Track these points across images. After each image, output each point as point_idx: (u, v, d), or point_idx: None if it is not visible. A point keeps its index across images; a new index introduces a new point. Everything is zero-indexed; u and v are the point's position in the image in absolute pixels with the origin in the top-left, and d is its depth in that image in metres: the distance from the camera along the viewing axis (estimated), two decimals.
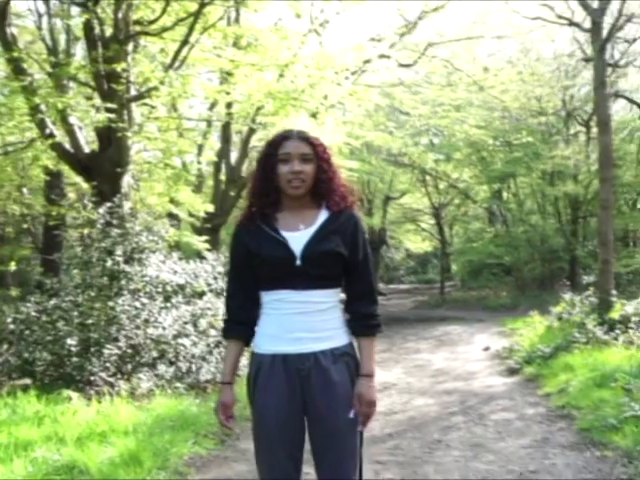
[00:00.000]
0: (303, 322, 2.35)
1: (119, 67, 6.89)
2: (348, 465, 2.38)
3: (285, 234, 2.38)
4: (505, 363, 8.65)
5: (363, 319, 2.44)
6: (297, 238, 2.37)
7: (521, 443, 5.07)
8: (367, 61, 10.90)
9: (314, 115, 11.16)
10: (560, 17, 10.66)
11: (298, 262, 2.34)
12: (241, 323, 2.45)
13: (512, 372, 8.03)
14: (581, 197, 18.66)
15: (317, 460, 2.40)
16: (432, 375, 8.31)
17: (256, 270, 2.41)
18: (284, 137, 2.40)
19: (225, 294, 2.58)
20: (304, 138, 2.40)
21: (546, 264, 19.68)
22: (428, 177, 23.01)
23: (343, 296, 2.48)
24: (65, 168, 10.36)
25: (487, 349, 9.99)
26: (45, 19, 8.59)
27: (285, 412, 2.33)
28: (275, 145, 2.40)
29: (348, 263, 2.40)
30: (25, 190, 13.50)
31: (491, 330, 12.38)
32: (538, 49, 18.52)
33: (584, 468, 4.38)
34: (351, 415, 2.35)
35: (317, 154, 2.39)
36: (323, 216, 2.42)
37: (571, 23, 10.81)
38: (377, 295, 2.56)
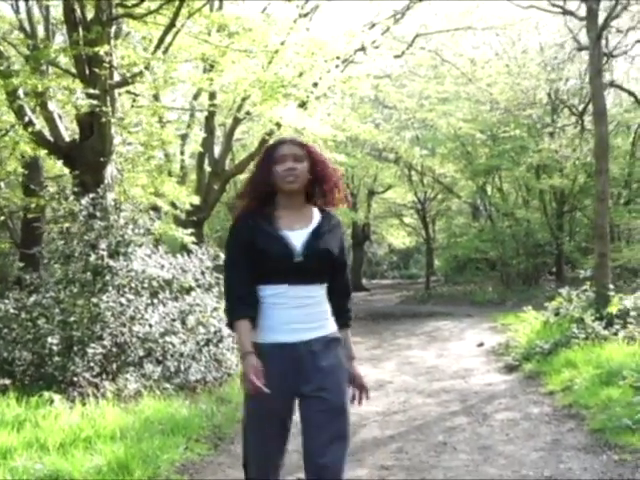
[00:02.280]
0: (299, 315, 2.57)
1: (102, 50, 6.52)
2: (339, 446, 2.53)
3: (285, 232, 2.60)
4: (502, 360, 8.43)
5: (344, 313, 2.75)
6: (296, 235, 2.60)
7: (531, 445, 4.83)
8: (360, 49, 10.60)
9: (303, 105, 10.86)
10: (553, 5, 10.44)
11: (298, 258, 2.57)
12: (249, 304, 2.58)
13: (511, 369, 7.81)
14: (567, 190, 18.56)
15: (307, 441, 2.55)
16: (427, 372, 8.07)
17: (256, 265, 2.58)
18: (279, 142, 2.71)
19: (226, 284, 2.69)
20: (297, 142, 2.70)
21: (531, 258, 19.56)
22: (413, 172, 22.78)
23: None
24: (45, 160, 9.97)
25: (481, 345, 9.78)
26: (22, 3, 8.18)
27: (276, 391, 2.45)
28: (272, 149, 2.69)
29: (336, 262, 2.67)
30: (1, 183, 13.04)
31: (482, 325, 12.17)
32: (525, 41, 18.36)
33: (603, 473, 4.14)
34: (346, 397, 2.60)
35: (309, 155, 2.65)
36: (317, 216, 2.68)
37: (565, 11, 10.60)
38: (351, 292, 2.86)
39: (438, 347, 10.14)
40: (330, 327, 2.66)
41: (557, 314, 8.84)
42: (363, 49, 10.67)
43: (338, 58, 9.78)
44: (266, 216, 2.62)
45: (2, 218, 11.39)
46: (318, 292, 2.64)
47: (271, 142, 2.85)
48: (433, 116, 19.05)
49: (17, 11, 8.29)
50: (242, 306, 2.58)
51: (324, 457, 2.50)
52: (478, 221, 23.95)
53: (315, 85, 10.25)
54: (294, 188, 2.62)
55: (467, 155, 20.54)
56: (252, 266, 2.58)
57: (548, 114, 17.99)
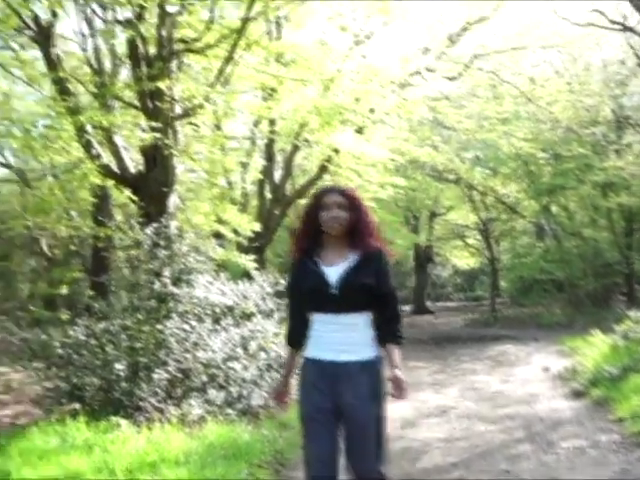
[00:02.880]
0: (337, 338, 3.03)
1: (163, 84, 6.78)
2: (371, 450, 2.98)
3: (324, 268, 3.07)
4: (569, 385, 8.19)
5: (393, 335, 3.10)
6: (333, 271, 3.05)
7: (599, 474, 4.69)
8: (415, 73, 10.64)
9: (360, 130, 10.95)
10: (613, 22, 10.25)
11: (333, 291, 3.01)
12: (296, 337, 3.22)
13: (577, 395, 7.58)
14: (635, 208, 17.98)
15: (346, 447, 3.02)
16: (491, 398, 7.92)
17: (304, 296, 3.12)
18: (326, 190, 3.14)
19: (287, 320, 3.34)
20: (340, 191, 3.11)
21: (600, 279, 18.95)
22: (475, 192, 22.50)
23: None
24: (113, 190, 10.34)
25: (547, 370, 9.53)
26: (90, 41, 8.57)
27: (318, 399, 3.01)
28: (318, 197, 3.12)
29: (376, 292, 3.04)
30: (74, 213, 13.58)
31: (549, 349, 11.87)
32: (586, 58, 18.02)
33: None
34: (374, 412, 3.01)
35: (351, 204, 3.07)
36: (355, 254, 3.07)
37: (625, 28, 10.39)
38: (401, 317, 3.19)
39: (503, 372, 9.94)
40: (368, 353, 3.05)
41: (626, 337, 8.54)
42: (418, 73, 10.70)
43: (393, 83, 9.85)
44: (312, 254, 3.11)
45: (73, 248, 11.84)
46: (357, 319, 3.05)
47: (319, 189, 3.24)
48: (493, 136, 18.82)
49: (85, 49, 8.66)
50: (291, 338, 3.26)
51: (360, 460, 2.99)
52: (543, 241, 23.38)
53: (371, 110, 10.33)
54: (337, 233, 3.07)
55: (530, 174, 20.17)
56: (302, 298, 3.13)
57: (613, 131, 17.54)
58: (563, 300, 20.31)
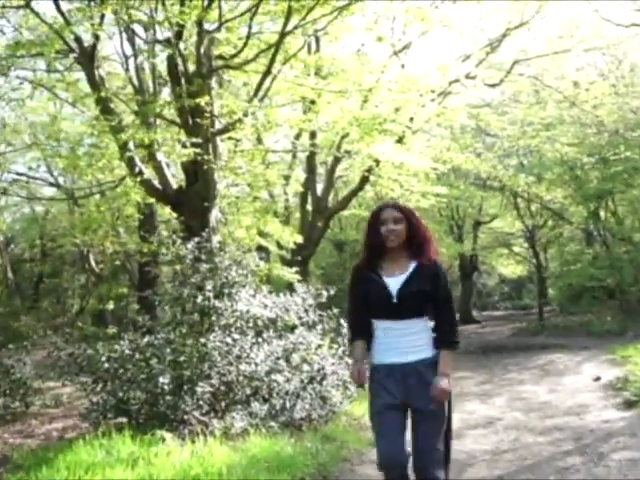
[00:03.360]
0: (401, 342, 3.34)
1: (202, 101, 6.87)
2: (435, 438, 3.32)
3: (385, 279, 3.38)
4: (621, 395, 7.94)
5: (448, 338, 3.37)
6: (394, 281, 3.36)
7: None
8: (454, 81, 10.56)
9: (400, 140, 10.91)
10: None
11: (394, 300, 3.34)
12: (362, 333, 3.50)
13: (630, 405, 7.34)
14: None
15: (414, 436, 3.34)
16: (539, 409, 7.74)
17: (367, 305, 3.44)
18: (383, 207, 3.47)
19: (347, 320, 3.82)
20: (396, 206, 3.45)
21: None
22: (519, 199, 22.15)
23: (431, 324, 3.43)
24: (158, 206, 10.51)
25: (598, 379, 9.27)
26: (132, 61, 8.77)
27: (387, 398, 3.33)
28: (377, 213, 3.45)
29: (433, 299, 3.35)
30: (121, 230, 13.86)
31: (599, 358, 11.56)
32: (631, 59, 17.62)
33: None
34: (432, 405, 3.29)
35: (406, 217, 3.39)
36: (413, 265, 3.38)
37: None
38: (457, 322, 3.51)
39: (552, 381, 9.71)
40: (429, 352, 3.35)
41: None
42: (457, 81, 10.62)
43: (433, 92, 9.78)
44: (374, 266, 3.43)
45: (119, 263, 12.07)
46: (418, 325, 3.35)
47: (377, 206, 3.60)
48: (537, 142, 18.52)
49: (127, 69, 8.86)
50: (354, 334, 3.55)
51: (426, 444, 3.31)
52: (592, 247, 22.85)
53: (411, 120, 10.29)
54: (394, 245, 3.37)
55: (576, 180, 19.76)
56: (365, 305, 3.45)
57: None
58: (614, 307, 19.78)
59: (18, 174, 14.71)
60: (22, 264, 21.85)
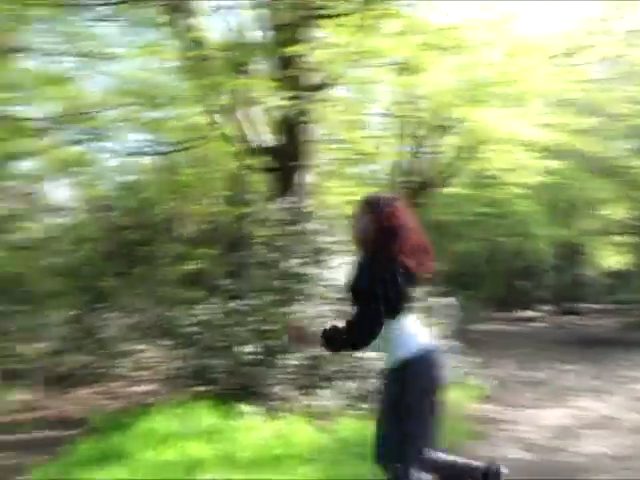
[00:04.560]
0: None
1: (297, 51, 6.34)
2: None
3: None
4: None
5: None
6: None
7: None
8: (571, 53, 9.59)
9: (509, 107, 10.00)
10: None
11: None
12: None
13: None
14: None
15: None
16: None
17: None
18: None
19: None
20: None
21: None
22: (632, 185, 20.57)
23: None
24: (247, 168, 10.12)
25: None
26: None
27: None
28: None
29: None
30: (211, 195, 13.61)
31: None
32: None
33: None
34: None
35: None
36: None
37: None
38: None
39: None
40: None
41: None
42: (575, 52, 9.66)
43: (550, 57, 8.86)
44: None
45: (210, 227, 11.86)
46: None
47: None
48: None
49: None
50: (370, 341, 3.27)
51: None
52: None
53: (523, 87, 9.37)
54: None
55: None
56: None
57: None
58: None
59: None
60: (118, 232, 22.24)
